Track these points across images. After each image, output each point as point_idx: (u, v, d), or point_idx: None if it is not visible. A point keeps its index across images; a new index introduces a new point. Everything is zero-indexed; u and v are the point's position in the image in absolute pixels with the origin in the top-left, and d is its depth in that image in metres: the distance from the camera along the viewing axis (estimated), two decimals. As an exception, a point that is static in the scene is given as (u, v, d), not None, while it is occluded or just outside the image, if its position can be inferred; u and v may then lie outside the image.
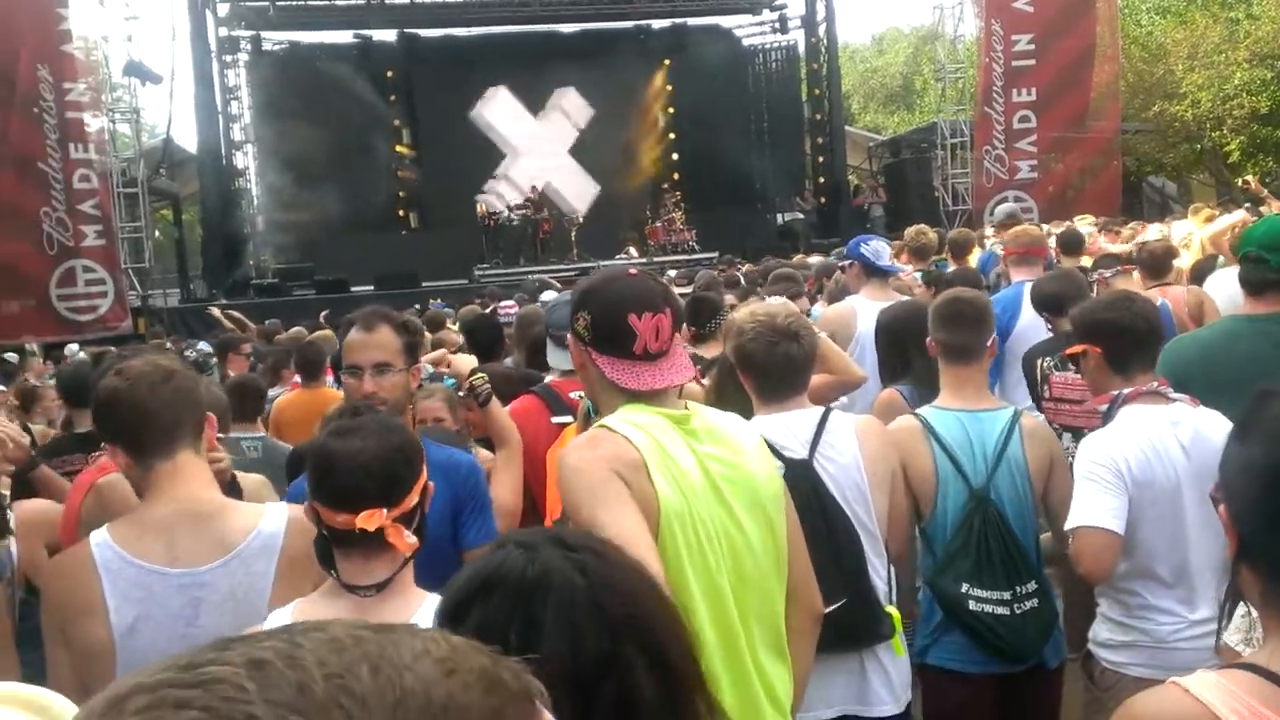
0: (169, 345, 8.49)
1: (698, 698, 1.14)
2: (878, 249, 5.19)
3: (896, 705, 2.56)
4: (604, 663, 1.09)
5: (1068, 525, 2.55)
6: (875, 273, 5.05)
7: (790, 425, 2.61)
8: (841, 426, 2.65)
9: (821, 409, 2.70)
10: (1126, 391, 2.64)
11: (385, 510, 1.76)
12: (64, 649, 1.93)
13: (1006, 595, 2.72)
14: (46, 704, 0.96)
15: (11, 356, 10.95)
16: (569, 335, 2.07)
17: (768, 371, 2.65)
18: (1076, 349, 2.78)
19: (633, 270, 2.08)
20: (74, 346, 10.84)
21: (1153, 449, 2.53)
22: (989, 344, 3.02)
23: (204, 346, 8.04)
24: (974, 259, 7.69)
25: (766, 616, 1.96)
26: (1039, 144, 18.13)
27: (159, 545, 1.94)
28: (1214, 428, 2.51)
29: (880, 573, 2.57)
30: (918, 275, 6.75)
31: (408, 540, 1.79)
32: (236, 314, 12.15)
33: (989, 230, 9.96)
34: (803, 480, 2.45)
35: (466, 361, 5.17)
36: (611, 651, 1.09)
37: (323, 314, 11.44)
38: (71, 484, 3.07)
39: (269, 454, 4.39)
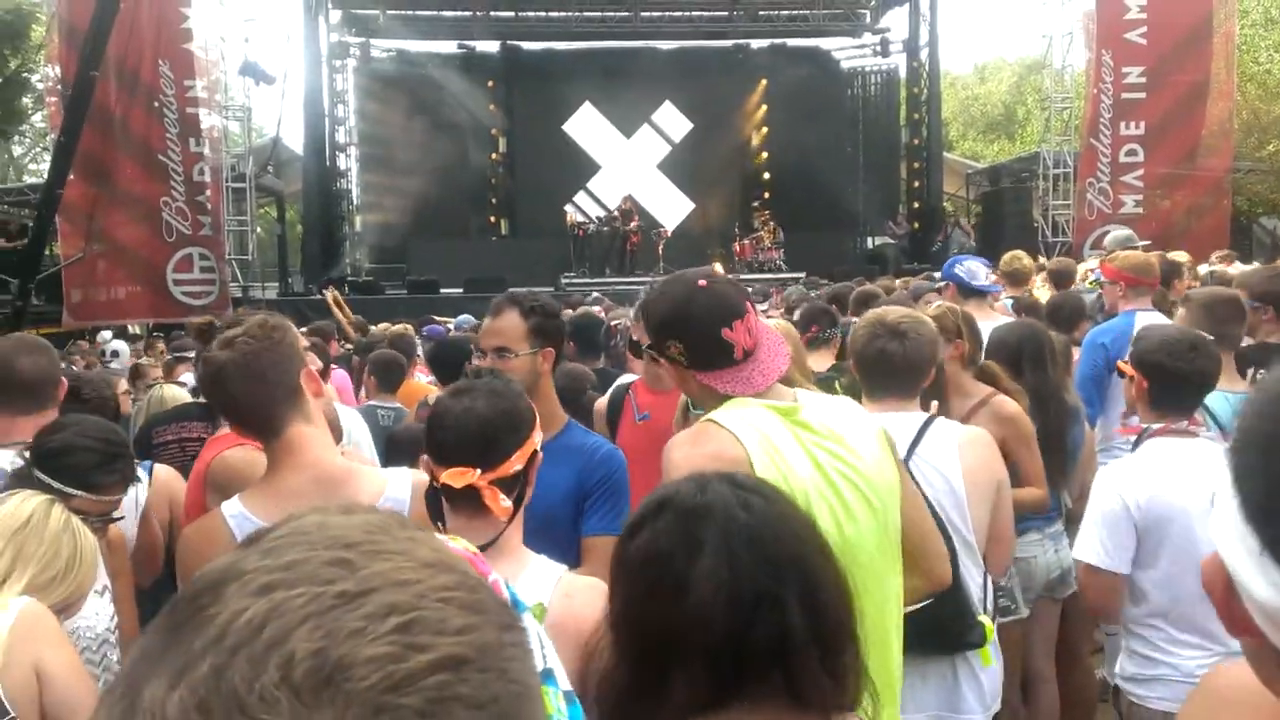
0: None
1: (847, 649, 1.19)
2: (972, 269, 5.12)
3: (985, 714, 2.53)
4: (760, 596, 1.16)
5: (1075, 556, 2.63)
6: (972, 293, 4.97)
7: (890, 425, 2.57)
8: (945, 435, 2.63)
9: (926, 415, 2.68)
10: (1155, 427, 2.71)
11: (479, 471, 1.79)
12: None
13: None
14: None
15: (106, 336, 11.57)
16: (652, 353, 2.08)
17: (867, 367, 2.65)
18: (1129, 370, 2.84)
19: (701, 281, 2.04)
20: (106, 334, 11.47)
21: (1170, 484, 2.53)
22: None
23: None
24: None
25: (876, 606, 1.94)
26: (1146, 179, 17.57)
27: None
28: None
29: (976, 580, 2.53)
30: (1008, 302, 6.61)
31: (502, 504, 1.80)
32: (345, 310, 11.78)
33: (1091, 261, 9.68)
34: None
35: None
36: (769, 587, 1.16)
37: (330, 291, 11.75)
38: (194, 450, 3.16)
39: (398, 423, 4.58)
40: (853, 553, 1.89)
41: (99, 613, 2.35)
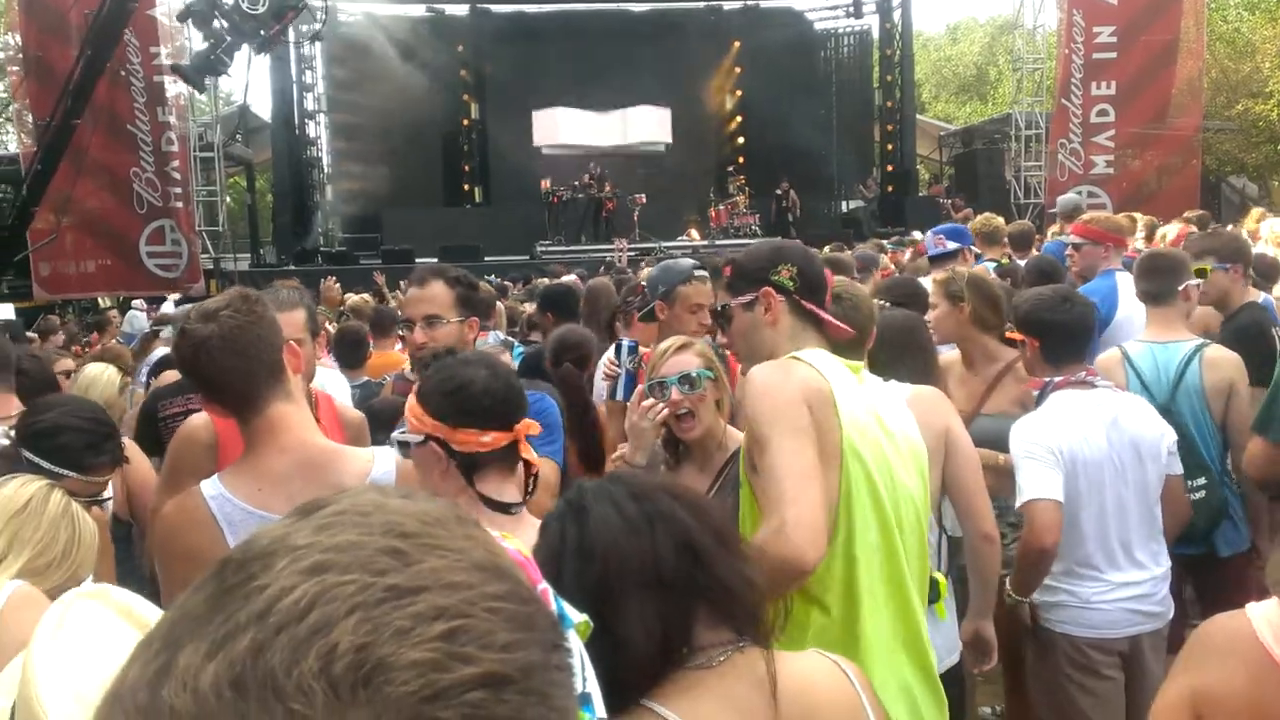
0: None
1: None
2: (932, 239, 5.56)
3: (939, 667, 2.59)
4: (651, 517, 1.36)
5: (1018, 502, 2.85)
6: (936, 260, 5.15)
7: None
8: (897, 397, 2.66)
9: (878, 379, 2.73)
10: (1057, 379, 2.99)
11: (515, 427, 1.88)
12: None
13: None
14: (134, 608, 0.98)
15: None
16: (746, 286, 2.20)
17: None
18: (1016, 336, 3.12)
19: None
20: (135, 313, 11.07)
21: (1080, 430, 2.86)
22: (1181, 289, 3.62)
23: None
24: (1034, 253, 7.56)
25: (918, 560, 2.09)
26: (1117, 139, 17.69)
27: (279, 497, 1.88)
28: (1135, 411, 2.96)
29: (930, 538, 2.59)
30: (990, 265, 6.68)
31: (534, 454, 1.92)
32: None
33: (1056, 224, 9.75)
34: None
35: None
36: (657, 511, 1.37)
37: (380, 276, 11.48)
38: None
39: (366, 396, 4.52)
40: (901, 507, 2.02)
41: None
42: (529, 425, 1.90)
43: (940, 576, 2.55)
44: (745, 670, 1.31)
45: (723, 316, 2.26)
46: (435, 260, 16.84)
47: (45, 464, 2.37)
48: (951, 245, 5.51)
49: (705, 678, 1.30)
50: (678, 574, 1.30)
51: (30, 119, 15.73)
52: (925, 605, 2.13)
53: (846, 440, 1.95)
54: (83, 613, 0.96)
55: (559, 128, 22.83)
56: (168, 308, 10.41)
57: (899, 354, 2.98)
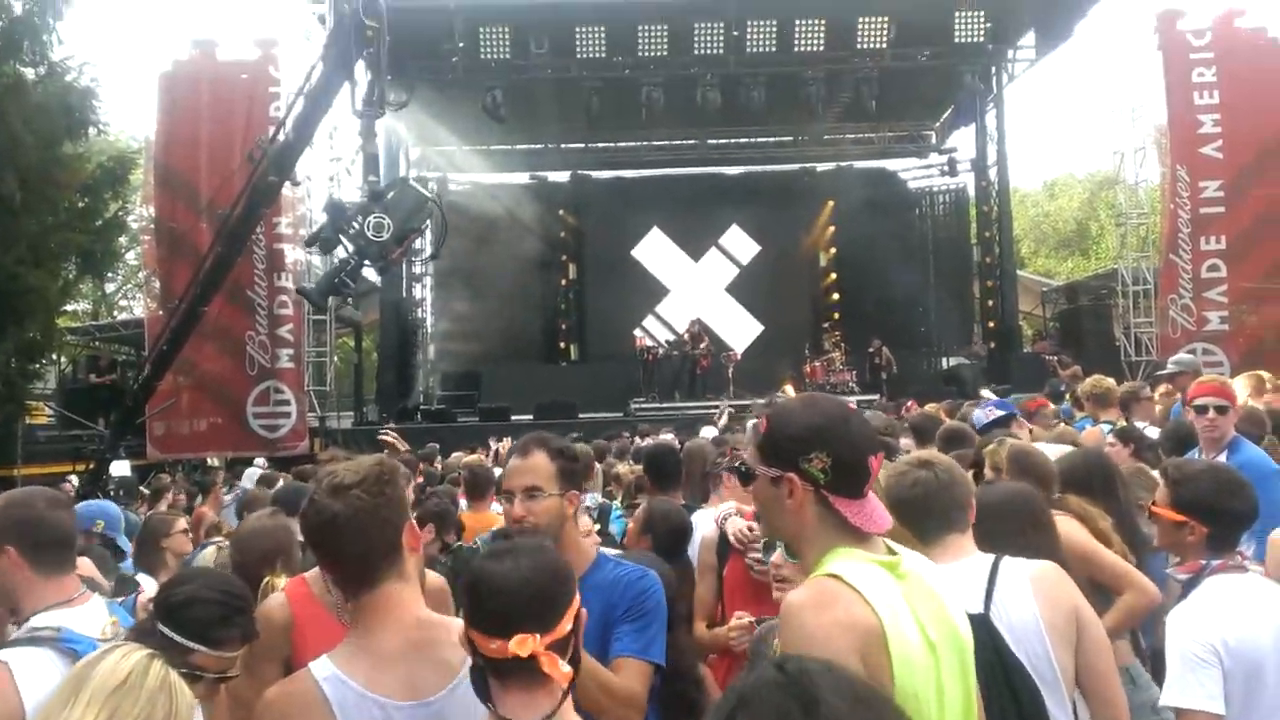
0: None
1: None
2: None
3: None
4: None
5: (1167, 702, 2.54)
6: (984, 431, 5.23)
7: (961, 573, 2.45)
8: (1016, 575, 2.52)
9: (992, 556, 2.55)
10: (1215, 563, 2.70)
11: (538, 635, 1.68)
12: None
13: None
14: None
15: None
16: (774, 461, 1.95)
17: (913, 509, 2.53)
18: (1177, 518, 2.78)
19: (852, 404, 2.01)
20: (253, 470, 11.29)
21: (1249, 624, 2.56)
22: None
23: None
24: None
25: None
26: (1230, 294, 17.07)
27: (393, 678, 1.88)
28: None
29: None
30: (1104, 428, 6.34)
31: (562, 669, 1.70)
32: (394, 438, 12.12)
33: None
34: (983, 635, 2.26)
35: None
36: None
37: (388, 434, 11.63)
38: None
39: (460, 561, 4.43)
40: None
41: None
42: (560, 628, 1.72)
43: None
44: None
45: (747, 476, 2.03)
46: (530, 417, 17.06)
47: (177, 636, 2.33)
48: (999, 413, 5.51)
49: None
50: None
51: (158, 285, 16.73)
52: None
53: (898, 684, 1.75)
54: None
55: (655, 284, 23.31)
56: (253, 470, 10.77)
57: (1015, 528, 2.84)
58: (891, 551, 1.91)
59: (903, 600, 1.82)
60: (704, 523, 3.98)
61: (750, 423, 3.71)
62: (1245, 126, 17.03)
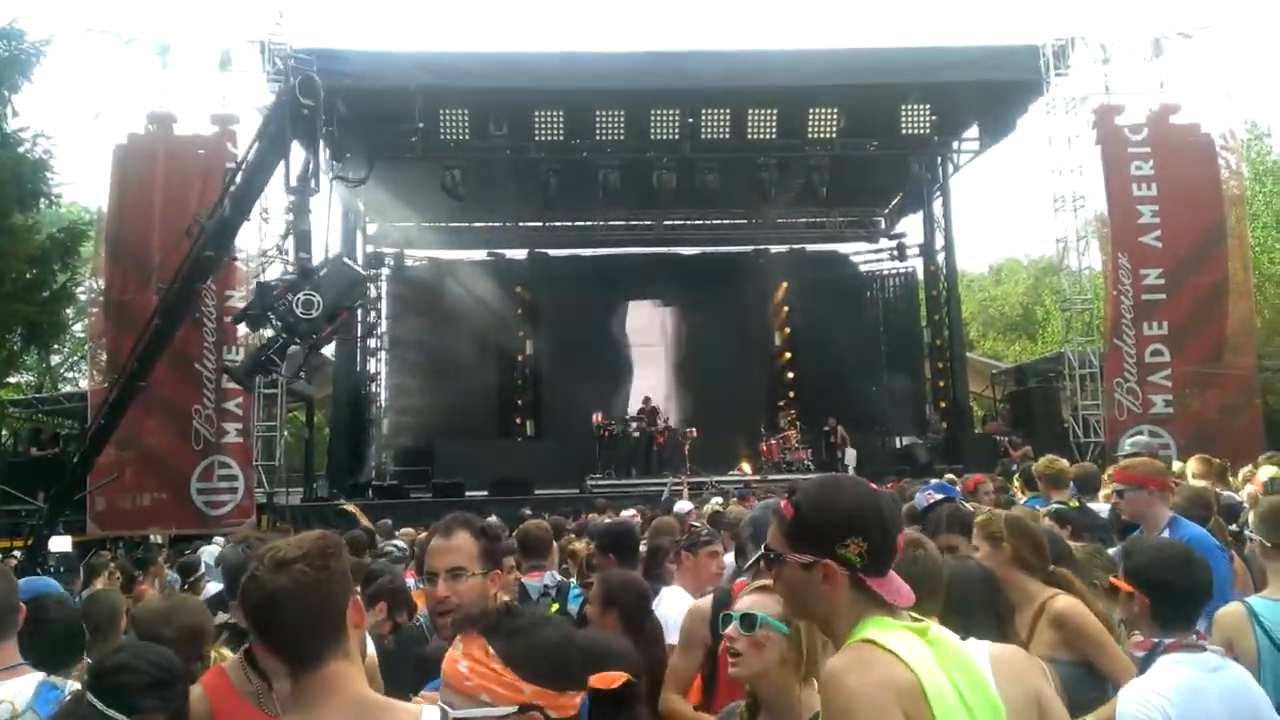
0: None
1: None
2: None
3: None
4: None
5: None
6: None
7: None
8: (979, 657, 2.46)
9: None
10: (1168, 641, 2.81)
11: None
12: None
13: None
14: None
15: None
16: (807, 547, 1.95)
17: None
18: (1125, 588, 2.93)
19: (872, 484, 2.08)
20: (211, 547, 10.90)
21: (1192, 696, 2.65)
22: None
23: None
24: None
25: None
26: (1174, 379, 17.51)
27: None
28: (1247, 678, 2.81)
29: None
30: (1056, 508, 6.39)
31: None
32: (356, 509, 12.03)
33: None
34: None
35: None
36: None
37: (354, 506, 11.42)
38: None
39: (405, 640, 4.32)
40: None
41: None
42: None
43: None
44: None
45: (776, 561, 2.00)
46: (485, 493, 16.83)
47: (99, 704, 2.26)
48: (938, 497, 5.60)
49: None
50: None
51: (104, 358, 16.40)
52: None
53: None
54: None
55: (612, 361, 23.37)
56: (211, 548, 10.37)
57: (975, 609, 2.86)
58: (916, 619, 1.96)
59: (936, 665, 1.87)
60: (674, 599, 3.96)
61: (758, 505, 3.72)
62: (1181, 218, 17.70)
